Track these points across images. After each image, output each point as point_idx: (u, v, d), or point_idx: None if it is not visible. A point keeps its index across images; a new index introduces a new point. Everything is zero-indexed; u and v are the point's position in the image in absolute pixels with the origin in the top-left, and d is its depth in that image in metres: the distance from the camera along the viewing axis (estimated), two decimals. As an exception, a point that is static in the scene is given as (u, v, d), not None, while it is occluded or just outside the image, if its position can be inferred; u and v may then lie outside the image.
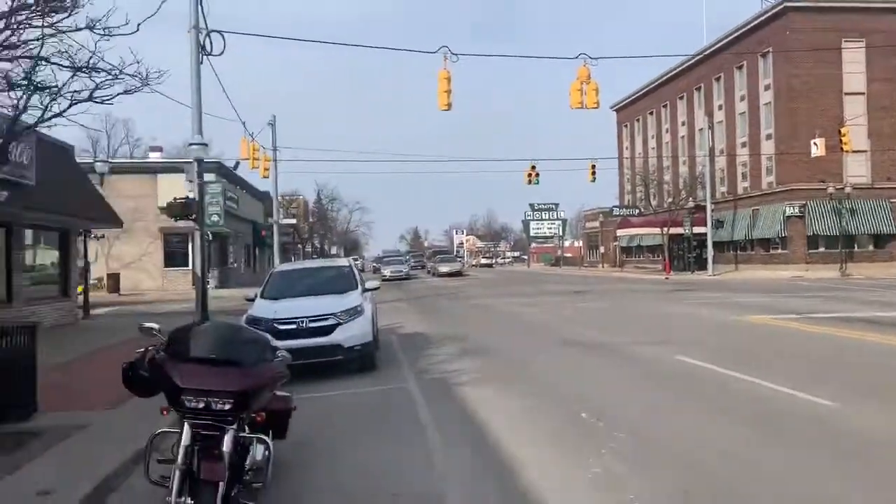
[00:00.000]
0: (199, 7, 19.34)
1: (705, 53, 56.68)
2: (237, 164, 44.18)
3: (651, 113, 70.83)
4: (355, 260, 46.57)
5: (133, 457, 6.70)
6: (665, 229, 53.82)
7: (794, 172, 47.59)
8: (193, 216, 18.91)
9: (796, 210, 47.30)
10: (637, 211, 62.45)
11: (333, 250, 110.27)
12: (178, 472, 4.80)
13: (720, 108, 57.09)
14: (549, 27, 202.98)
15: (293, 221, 60.72)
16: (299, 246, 70.46)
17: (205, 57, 19.72)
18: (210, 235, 24.86)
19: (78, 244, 22.99)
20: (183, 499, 4.71)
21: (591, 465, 6.37)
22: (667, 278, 45.13)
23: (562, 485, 5.86)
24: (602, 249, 79.58)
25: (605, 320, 19.07)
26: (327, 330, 11.24)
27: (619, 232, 67.34)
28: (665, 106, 67.49)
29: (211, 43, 19.64)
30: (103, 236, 33.16)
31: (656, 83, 68.61)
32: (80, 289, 29.77)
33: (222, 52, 19.70)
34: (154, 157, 47.18)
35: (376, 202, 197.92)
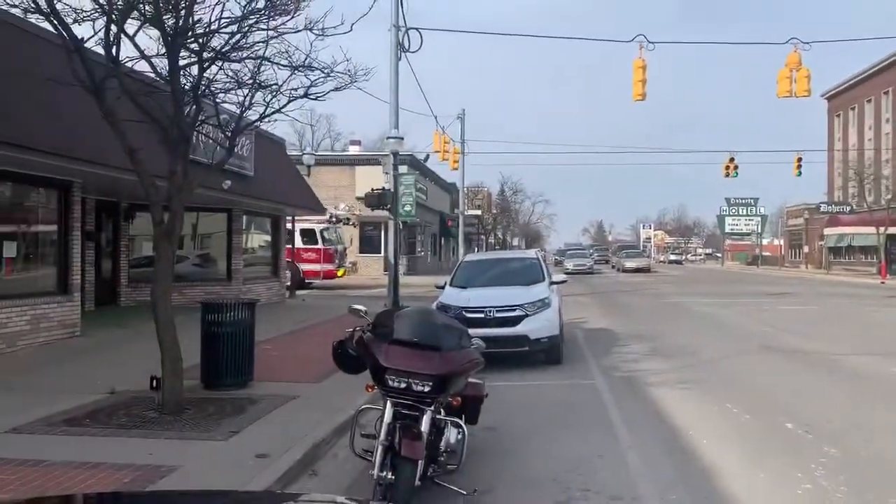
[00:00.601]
0: (399, 6, 20.18)
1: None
2: (427, 156, 45.72)
3: (869, 101, 64.17)
4: (542, 251, 46.18)
5: (337, 428, 7.16)
6: (882, 229, 48.69)
7: None
8: (388, 206, 19.86)
9: None
10: (849, 208, 57.10)
11: (515, 242, 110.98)
12: (380, 448, 5.06)
13: (956, 93, 50.46)
14: (753, 9, 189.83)
15: (478, 213, 61.80)
16: (482, 237, 71.60)
17: (403, 54, 20.58)
18: (402, 224, 25.96)
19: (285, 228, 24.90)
20: (385, 473, 4.96)
21: (801, 480, 5.89)
22: (883, 283, 40.79)
23: (766, 499, 5.47)
24: (806, 249, 73.41)
25: (810, 326, 17.58)
26: (514, 321, 11.33)
27: (827, 230, 61.94)
28: (886, 93, 60.82)
29: (409, 40, 20.45)
30: (348, 221, 34.84)
31: (876, 68, 62.01)
32: (340, 272, 32.23)
33: (419, 49, 20.46)
34: (353, 150, 50.09)
35: (560, 195, 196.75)
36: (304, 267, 31.04)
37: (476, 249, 62.08)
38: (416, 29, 20.54)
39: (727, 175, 37.12)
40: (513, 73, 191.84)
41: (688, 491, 5.65)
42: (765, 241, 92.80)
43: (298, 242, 30.47)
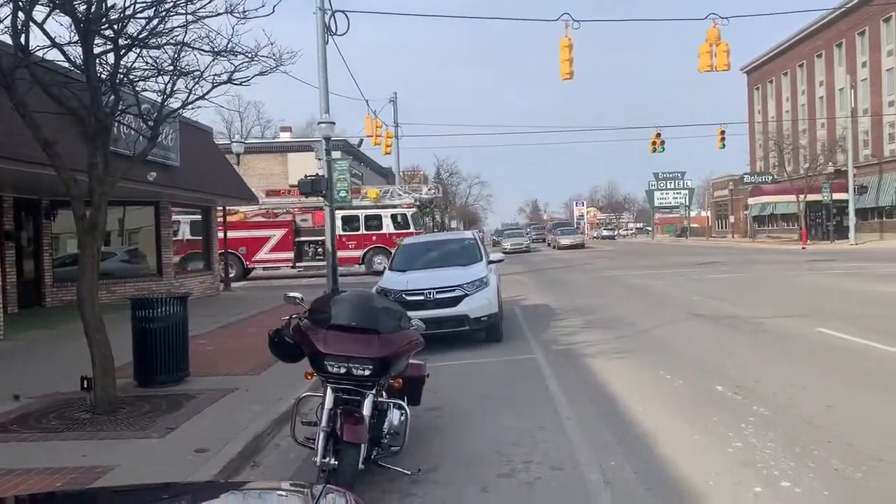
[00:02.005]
0: (324, -12, 19.82)
1: (847, 7, 52.50)
2: (360, 141, 45.32)
3: (785, 74, 66.55)
4: (479, 232, 46.00)
5: (278, 418, 7.08)
6: (801, 196, 50.74)
7: (951, 132, 43.49)
8: (323, 192, 19.62)
9: (953, 173, 43.26)
10: (770, 178, 59.21)
11: (453, 224, 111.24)
12: (322, 434, 5.03)
13: (863, 65, 52.81)
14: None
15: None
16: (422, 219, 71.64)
17: (330, 37, 20.26)
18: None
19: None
20: (327, 459, 4.93)
21: (732, 439, 6.12)
22: (803, 248, 42.56)
23: (701, 459, 5.67)
24: (731, 219, 76.04)
25: (738, 292, 18.23)
26: (454, 301, 11.39)
27: (751, 200, 64.12)
28: (801, 66, 63.20)
29: (336, 23, 20.14)
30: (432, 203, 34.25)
31: (791, 41, 64.34)
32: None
33: (346, 32, 20.17)
34: (284, 136, 49.28)
35: (495, 176, 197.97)
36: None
37: (416, 233, 62.01)
38: (343, 11, 20.24)
39: (654, 150, 37.98)
40: (445, 55, 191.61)
41: (626, 457, 5.80)
42: (692, 214, 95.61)
43: (389, 227, 32.22)
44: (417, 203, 34.82)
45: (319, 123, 19.90)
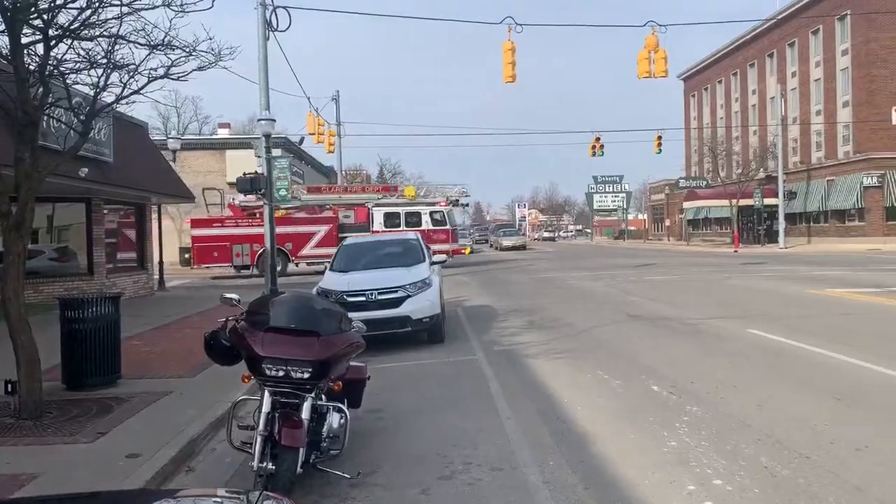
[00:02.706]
0: (266, -17, 19.53)
1: (778, 18, 54.50)
2: (302, 139, 44.89)
3: (720, 82, 68.65)
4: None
5: (214, 422, 6.92)
6: (734, 201, 52.44)
7: (872, 141, 45.68)
8: (262, 190, 19.30)
9: (874, 180, 45.39)
10: (704, 182, 60.91)
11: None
12: (259, 439, 4.94)
13: (793, 74, 54.91)
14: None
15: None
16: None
17: (271, 33, 19.96)
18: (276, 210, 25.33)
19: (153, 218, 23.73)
20: (265, 464, 4.84)
21: (667, 438, 6.26)
22: (736, 251, 43.92)
23: (637, 458, 5.78)
24: (668, 223, 78.00)
25: (673, 294, 18.70)
26: (396, 302, 11.34)
27: (686, 204, 65.89)
28: (735, 74, 65.28)
29: (277, 19, 19.85)
30: (457, 202, 36.31)
31: (726, 50, 66.44)
32: (467, 250, 35.49)
33: (288, 28, 19.90)
34: (223, 133, 48.26)
35: (438, 176, 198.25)
36: (435, 247, 33.34)
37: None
38: (285, 8, 19.97)
39: (593, 154, 38.69)
40: (390, 55, 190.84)
41: (564, 457, 5.87)
42: (630, 217, 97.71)
43: (428, 224, 33.61)
44: (454, 201, 36.53)
45: (259, 121, 19.57)
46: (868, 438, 6.00)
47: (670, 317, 14.02)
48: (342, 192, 35.98)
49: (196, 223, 32.31)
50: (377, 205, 34.61)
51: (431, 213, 34.47)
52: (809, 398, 7.44)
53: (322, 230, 33.50)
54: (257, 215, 32.44)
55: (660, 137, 39.10)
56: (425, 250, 13.43)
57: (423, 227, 33.39)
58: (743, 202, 52.60)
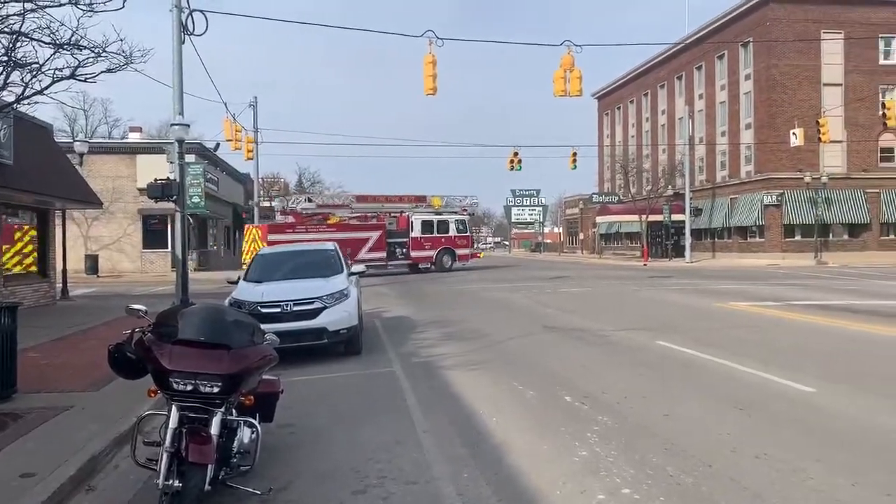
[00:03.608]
0: (182, -15, 18.98)
1: (687, 42, 56.90)
2: (217, 145, 43.75)
3: (632, 101, 71.07)
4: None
5: (118, 438, 6.61)
6: (644, 217, 54.26)
7: (772, 162, 48.09)
8: (174, 197, 18.67)
9: (773, 199, 47.74)
10: (616, 198, 62.78)
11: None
12: (165, 455, 4.75)
13: (700, 97, 57.38)
14: (535, 12, 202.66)
15: (274, 204, 60.22)
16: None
17: (187, 37, 19.40)
18: (189, 218, 24.60)
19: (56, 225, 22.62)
20: (171, 481, 4.65)
21: (578, 448, 6.38)
22: (645, 265, 45.43)
23: (550, 469, 5.86)
24: (581, 236, 80.00)
25: (586, 306, 19.16)
26: (312, 313, 11.17)
27: (599, 219, 67.73)
28: (646, 94, 67.73)
29: (193, 23, 19.31)
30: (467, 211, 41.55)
31: (638, 71, 68.86)
32: (482, 254, 39.94)
33: (205, 32, 19.38)
34: (134, 137, 46.52)
35: (359, 186, 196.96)
36: (460, 251, 40.16)
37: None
38: (202, 11, 19.43)
39: (511, 168, 39.38)
40: (312, 62, 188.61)
41: (479, 469, 5.90)
42: (546, 230, 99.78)
43: (454, 231, 39.53)
44: (470, 212, 42.34)
45: (173, 125, 18.95)
46: (766, 446, 6.28)
47: (583, 328, 14.34)
48: (384, 201, 40.09)
49: (273, 229, 34.64)
50: (415, 213, 39.30)
51: (456, 221, 39.87)
52: (713, 408, 7.74)
53: (374, 236, 37.28)
54: (325, 220, 36.94)
55: (575, 154, 40.16)
56: (343, 261, 13.30)
57: (451, 233, 39.48)
58: (652, 218, 54.47)
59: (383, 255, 37.42)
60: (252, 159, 39.17)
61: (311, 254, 14.11)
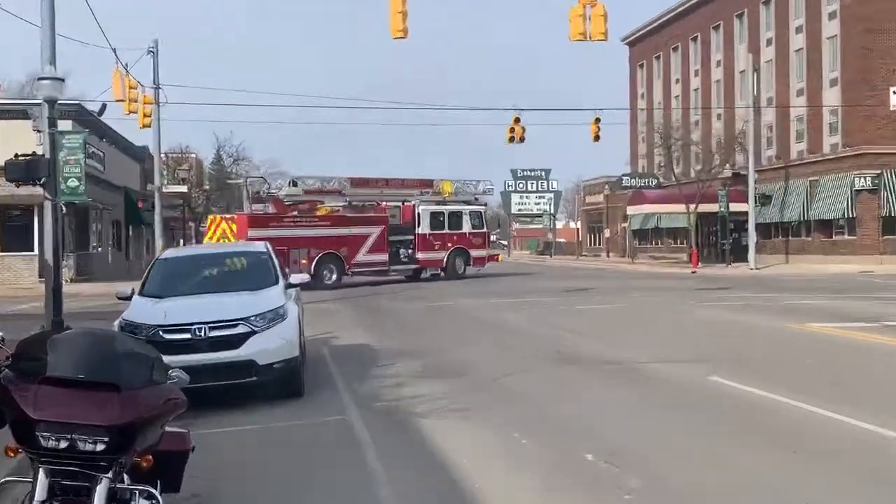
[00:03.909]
0: None
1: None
2: (104, 107, 43.26)
3: (675, 49, 71.39)
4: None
5: (-38, 517, 6.54)
6: (692, 207, 54.45)
7: (866, 131, 48.24)
8: (42, 180, 18.51)
9: (868, 182, 48.12)
10: (655, 181, 62.94)
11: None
12: (29, 539, 4.70)
13: (769, 42, 57.68)
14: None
15: (183, 189, 59.91)
16: (191, 224, 69.64)
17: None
18: (63, 208, 24.43)
19: None
20: (38, 577, 4.61)
21: (603, 526, 6.40)
22: (694, 272, 45.73)
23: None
24: (607, 233, 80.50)
25: (613, 329, 19.25)
26: (236, 341, 11.11)
27: (631, 209, 67.91)
28: (694, 39, 68.08)
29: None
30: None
31: (683, 6, 68.75)
32: (500, 257, 45.67)
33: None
34: (-14, 96, 46.15)
35: (302, 165, 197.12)
36: (475, 253, 41.11)
37: (183, 242, 60.18)
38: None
39: (512, 140, 39.36)
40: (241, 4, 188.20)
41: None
42: (559, 225, 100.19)
43: (468, 226, 40.70)
44: (480, 201, 43.68)
45: (41, 80, 18.81)
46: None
47: (609, 359, 14.40)
48: (384, 186, 40.56)
49: (254, 222, 35.09)
50: (422, 203, 40.12)
51: (471, 214, 41.15)
52: (789, 468, 7.79)
53: (374, 232, 37.92)
54: (313, 210, 37.69)
55: (598, 121, 40.18)
56: (278, 268, 13.26)
57: (464, 229, 40.76)
58: (703, 208, 54.62)
59: (385, 257, 38.50)
60: (150, 126, 38.85)
61: (234, 258, 14.05)
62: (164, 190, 44.82)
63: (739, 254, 51.50)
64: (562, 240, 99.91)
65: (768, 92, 56.97)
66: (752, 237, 48.24)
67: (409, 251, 39.72)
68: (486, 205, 45.41)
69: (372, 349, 16.78)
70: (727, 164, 55.71)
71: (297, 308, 12.52)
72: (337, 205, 39.03)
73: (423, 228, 39.75)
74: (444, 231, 40.38)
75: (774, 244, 55.07)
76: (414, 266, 39.97)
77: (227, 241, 33.80)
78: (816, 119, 52.86)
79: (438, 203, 40.83)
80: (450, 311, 24.70)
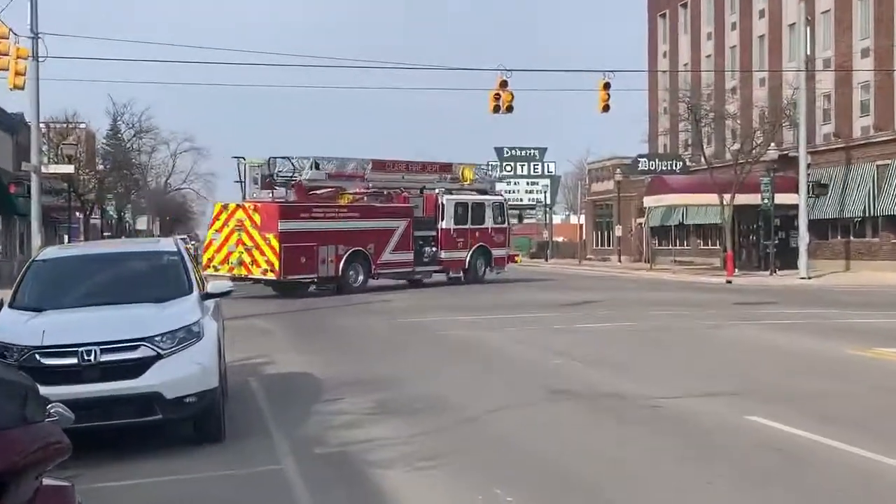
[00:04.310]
0: None
1: None
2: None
3: (707, -6, 71.53)
4: (186, 241, 47.67)
5: None
6: (727, 198, 54.56)
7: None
8: None
9: (952, 168, 48.48)
10: (680, 165, 63.13)
11: (142, 223, 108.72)
12: None
13: (826, -12, 57.92)
14: None
15: (69, 170, 59.39)
16: (79, 214, 69.15)
17: None
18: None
19: None
20: None
21: None
22: (729, 282, 45.90)
23: None
24: (619, 231, 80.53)
25: (626, 355, 19.29)
26: (136, 367, 11.02)
27: (649, 200, 67.71)
28: (732, -18, 68.26)
29: None
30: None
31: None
32: (518, 258, 50.11)
33: None
34: None
35: (223, 140, 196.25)
36: (496, 252, 44.70)
37: (68, 239, 59.72)
38: None
39: (497, 109, 39.28)
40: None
41: None
42: (557, 220, 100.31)
43: (490, 220, 44.21)
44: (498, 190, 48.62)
45: None
46: None
47: (619, 392, 14.43)
48: (404, 170, 43.31)
49: (285, 212, 37.49)
50: (446, 192, 43.08)
51: (493, 206, 44.76)
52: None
53: (400, 226, 40.72)
54: (336, 199, 40.98)
55: (608, 86, 40.23)
56: (192, 273, 13.18)
57: (486, 223, 44.11)
58: (741, 199, 54.61)
59: (411, 256, 41.53)
60: (24, 88, 38.43)
61: (133, 259, 13.95)
62: (45, 170, 44.32)
63: (787, 258, 51.78)
64: (561, 239, 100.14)
65: (825, 51, 57.20)
66: (803, 238, 48.30)
67: (433, 249, 42.18)
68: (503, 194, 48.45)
69: (314, 378, 16.73)
70: (772, 144, 55.71)
71: (215, 325, 12.46)
72: (359, 192, 42.15)
73: (447, 223, 42.70)
74: (468, 226, 43.51)
75: (832, 247, 55.32)
76: (435, 268, 42.70)
77: (245, 235, 36.71)
78: (887, 86, 53.00)
79: (459, 191, 44.22)
80: (417, 330, 24.65)
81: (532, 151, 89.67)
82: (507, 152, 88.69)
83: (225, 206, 38.97)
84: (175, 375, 11.19)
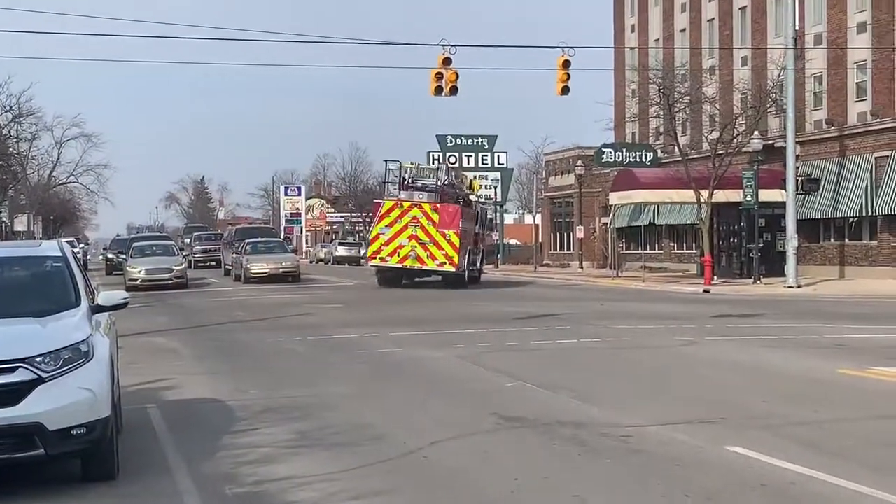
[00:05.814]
0: None
1: None
2: None
3: (681, -41, 72.13)
4: (74, 245, 47.86)
5: None
6: (704, 194, 54.91)
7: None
8: None
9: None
10: (650, 156, 63.53)
11: (21, 224, 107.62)
12: None
13: (815, -46, 58.53)
14: None
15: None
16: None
17: None
18: None
19: None
20: None
21: None
22: (707, 291, 46.20)
23: None
24: (580, 232, 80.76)
25: (586, 376, 19.37)
26: (12, 394, 10.88)
27: (614, 197, 68.08)
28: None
29: None
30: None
31: None
32: None
33: None
34: None
35: (121, 126, 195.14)
36: (477, 259, 52.31)
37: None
38: None
39: (439, 91, 39.30)
40: None
41: None
42: (510, 219, 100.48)
43: (479, 226, 50.55)
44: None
45: None
46: None
47: (580, 420, 14.48)
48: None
49: (464, 214, 48.23)
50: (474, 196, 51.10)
51: (482, 213, 53.78)
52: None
53: (474, 229, 51.23)
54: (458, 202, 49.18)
55: (567, 64, 40.35)
56: (79, 282, 13.04)
57: (477, 229, 51.77)
58: (721, 196, 55.00)
59: (477, 258, 51.53)
60: None
61: (8, 266, 13.76)
62: None
63: (773, 264, 52.34)
64: (514, 241, 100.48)
65: (816, 26, 57.78)
66: (791, 240, 48.55)
67: (475, 254, 49.77)
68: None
69: (224, 405, 16.65)
70: (756, 132, 56.04)
71: (108, 343, 12.35)
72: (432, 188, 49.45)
73: (479, 227, 51.47)
74: (476, 230, 51.17)
75: (824, 250, 55.87)
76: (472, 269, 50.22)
77: (420, 231, 45.50)
78: (886, 67, 53.65)
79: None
80: (342, 349, 24.62)
81: (480, 140, 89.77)
82: (451, 141, 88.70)
83: (399, 203, 47.15)
84: (59, 403, 11.05)
